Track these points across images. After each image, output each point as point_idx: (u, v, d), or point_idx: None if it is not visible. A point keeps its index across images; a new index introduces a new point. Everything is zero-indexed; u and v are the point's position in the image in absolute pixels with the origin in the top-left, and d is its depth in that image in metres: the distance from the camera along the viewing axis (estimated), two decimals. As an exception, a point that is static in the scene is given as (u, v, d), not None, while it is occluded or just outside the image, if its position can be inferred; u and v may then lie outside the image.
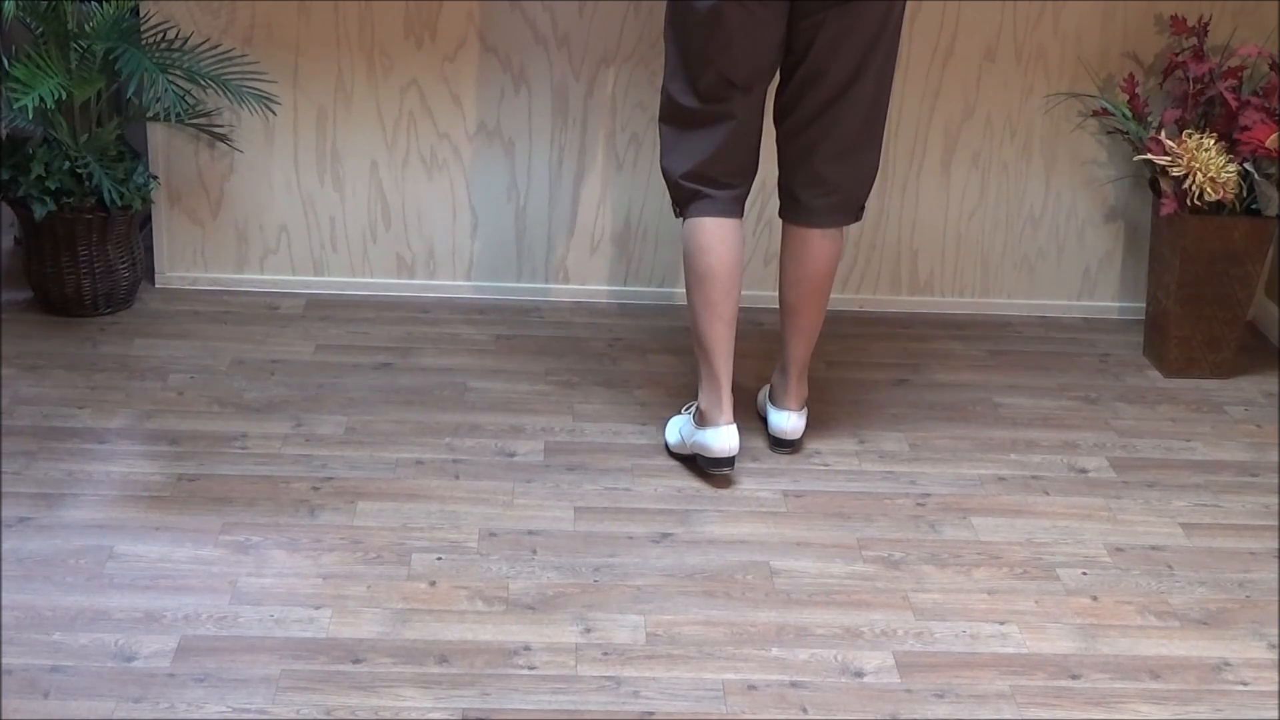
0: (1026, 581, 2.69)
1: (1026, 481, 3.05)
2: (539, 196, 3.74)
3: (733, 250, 2.89)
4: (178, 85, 3.36)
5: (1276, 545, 2.86)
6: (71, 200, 3.41)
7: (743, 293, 2.96)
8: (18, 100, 3.15)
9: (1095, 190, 3.80)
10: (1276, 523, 2.94)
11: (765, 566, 2.69)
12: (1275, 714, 2.37)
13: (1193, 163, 3.35)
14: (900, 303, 3.88)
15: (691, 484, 2.96)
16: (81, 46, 3.36)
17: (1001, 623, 2.56)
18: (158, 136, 3.64)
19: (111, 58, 3.32)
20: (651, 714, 2.29)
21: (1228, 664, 2.48)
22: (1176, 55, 3.55)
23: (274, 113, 3.59)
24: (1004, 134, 3.74)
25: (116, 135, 3.51)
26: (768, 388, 3.19)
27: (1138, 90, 3.58)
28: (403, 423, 3.14)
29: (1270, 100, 3.39)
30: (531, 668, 2.37)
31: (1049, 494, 3.00)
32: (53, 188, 3.37)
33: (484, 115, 3.66)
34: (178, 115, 3.38)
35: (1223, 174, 3.34)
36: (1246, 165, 3.38)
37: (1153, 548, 2.83)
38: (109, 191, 3.38)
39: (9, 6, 3.21)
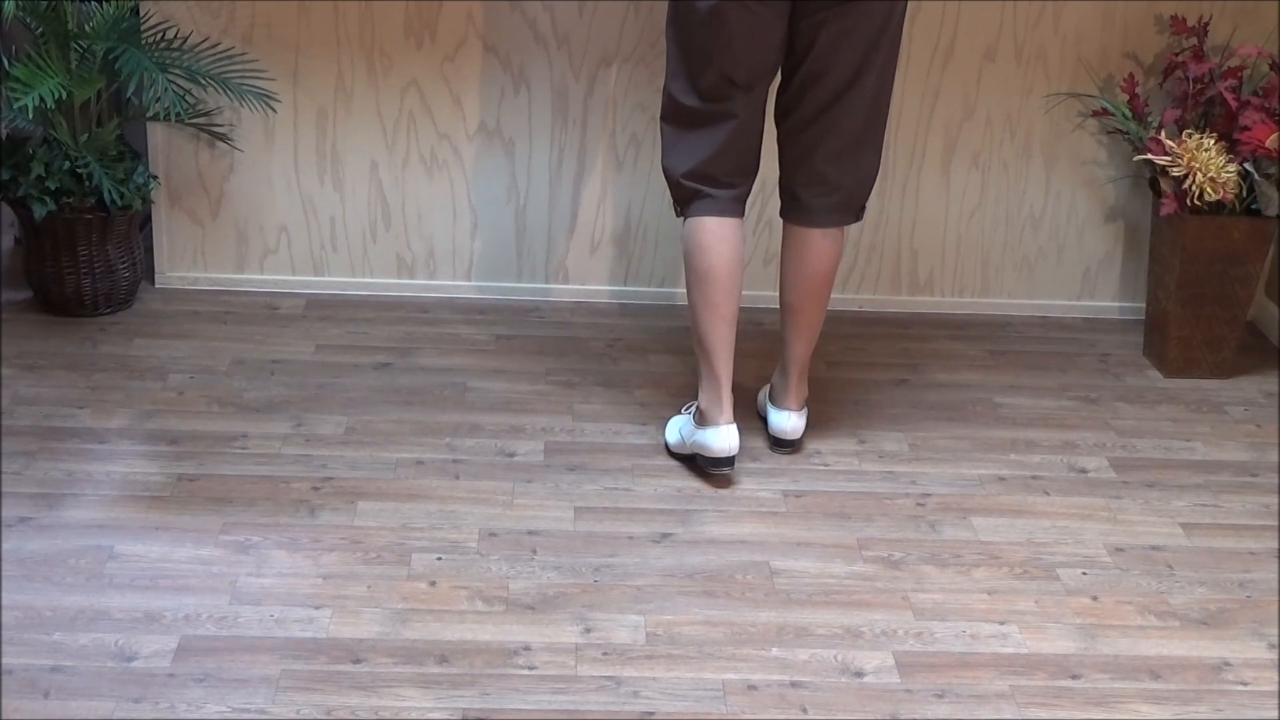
0: (1026, 581, 2.69)
1: (1026, 481, 3.05)
2: (539, 196, 3.74)
3: (733, 250, 2.89)
4: (178, 85, 3.36)
5: (1276, 545, 2.86)
6: (71, 200, 3.41)
7: (743, 292, 2.96)
8: (18, 100, 3.15)
9: (1095, 190, 3.80)
10: (1276, 523, 2.94)
11: (765, 566, 2.69)
12: (1275, 714, 2.37)
13: (1193, 163, 3.35)
14: (900, 303, 3.88)
15: (691, 484, 2.96)
16: (81, 46, 3.36)
17: (1001, 623, 2.56)
18: (158, 136, 3.64)
19: (111, 58, 3.32)
20: (651, 714, 2.29)
21: (1228, 664, 2.48)
22: (1176, 55, 3.55)
23: (274, 111, 3.59)
24: (1004, 134, 3.74)
25: (116, 135, 3.51)
26: (768, 388, 3.19)
27: (1138, 90, 3.58)
28: (403, 423, 3.14)
29: (1270, 100, 3.39)
30: (531, 668, 2.37)
31: (1049, 494, 3.00)
32: (53, 188, 3.37)
33: (484, 115, 3.66)
34: (178, 115, 3.38)
35: (1223, 174, 3.34)
36: (1246, 165, 3.38)
37: (1153, 548, 2.83)
38: (109, 191, 3.38)
39: (9, 6, 3.21)
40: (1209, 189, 3.35)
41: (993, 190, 3.79)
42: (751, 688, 2.36)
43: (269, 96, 3.51)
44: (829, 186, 2.91)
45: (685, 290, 2.97)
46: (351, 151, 3.68)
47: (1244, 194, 3.42)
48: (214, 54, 3.48)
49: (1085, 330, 3.83)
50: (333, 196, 3.71)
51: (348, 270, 3.78)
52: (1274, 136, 3.33)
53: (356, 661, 2.36)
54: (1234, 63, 3.49)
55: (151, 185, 3.55)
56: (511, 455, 3.03)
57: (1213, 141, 3.37)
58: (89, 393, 3.19)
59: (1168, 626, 2.58)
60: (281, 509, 2.78)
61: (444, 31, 3.58)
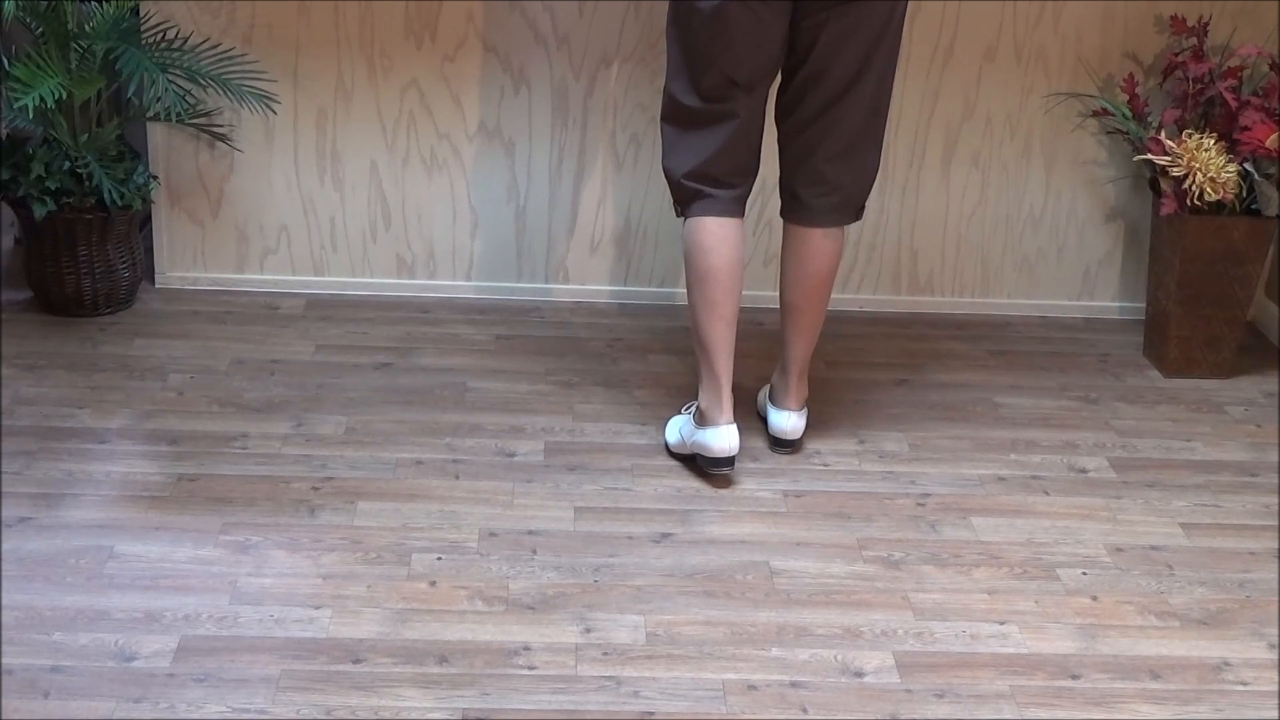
0: (1026, 581, 2.69)
1: (1026, 481, 3.05)
2: (539, 196, 3.74)
3: (734, 250, 2.89)
4: (178, 85, 3.36)
5: (1276, 545, 2.86)
6: (71, 200, 3.41)
7: (743, 292, 2.96)
8: (18, 100, 3.15)
9: (1095, 190, 3.80)
10: (1276, 523, 2.94)
11: (765, 566, 2.69)
12: (1275, 714, 2.37)
13: (1193, 163, 3.35)
14: (900, 303, 3.88)
15: (691, 484, 2.96)
16: (81, 46, 3.36)
17: (1001, 623, 2.56)
18: (158, 136, 3.64)
19: (111, 58, 3.32)
20: (651, 714, 2.29)
21: (1228, 664, 2.48)
22: (1176, 55, 3.55)
23: (274, 112, 3.59)
24: (1004, 134, 3.74)
25: (116, 135, 3.51)
26: (768, 388, 3.19)
27: (1138, 90, 3.58)
28: (403, 423, 3.14)
29: (1270, 100, 3.39)
30: (531, 668, 2.37)
31: (1049, 494, 3.00)
32: (53, 188, 3.37)
33: (484, 115, 3.66)
34: (178, 115, 3.38)
35: (1223, 174, 3.34)
36: (1246, 165, 3.38)
37: (1153, 548, 2.83)
38: (109, 191, 3.38)
39: (9, 6, 3.21)
40: (1209, 189, 3.35)
41: (993, 190, 3.79)
42: (751, 688, 2.36)
43: (269, 97, 3.51)
44: (829, 186, 2.91)
45: (685, 290, 2.97)
46: (351, 151, 3.68)
47: (1244, 194, 3.42)
48: (214, 54, 3.48)
49: (1085, 330, 3.83)
50: (333, 196, 3.72)
51: (348, 270, 3.78)
52: (1274, 136, 3.33)
53: (356, 661, 2.36)
54: (1234, 63, 3.49)
55: (151, 185, 3.55)
56: (511, 455, 3.03)
57: (1213, 141, 3.37)
58: (89, 393, 3.19)
59: (1168, 626, 2.58)
60: (281, 509, 2.78)
61: (444, 31, 3.58)
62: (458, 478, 2.94)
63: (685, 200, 2.91)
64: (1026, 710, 2.34)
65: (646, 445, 3.10)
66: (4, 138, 3.51)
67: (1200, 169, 3.34)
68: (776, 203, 3.04)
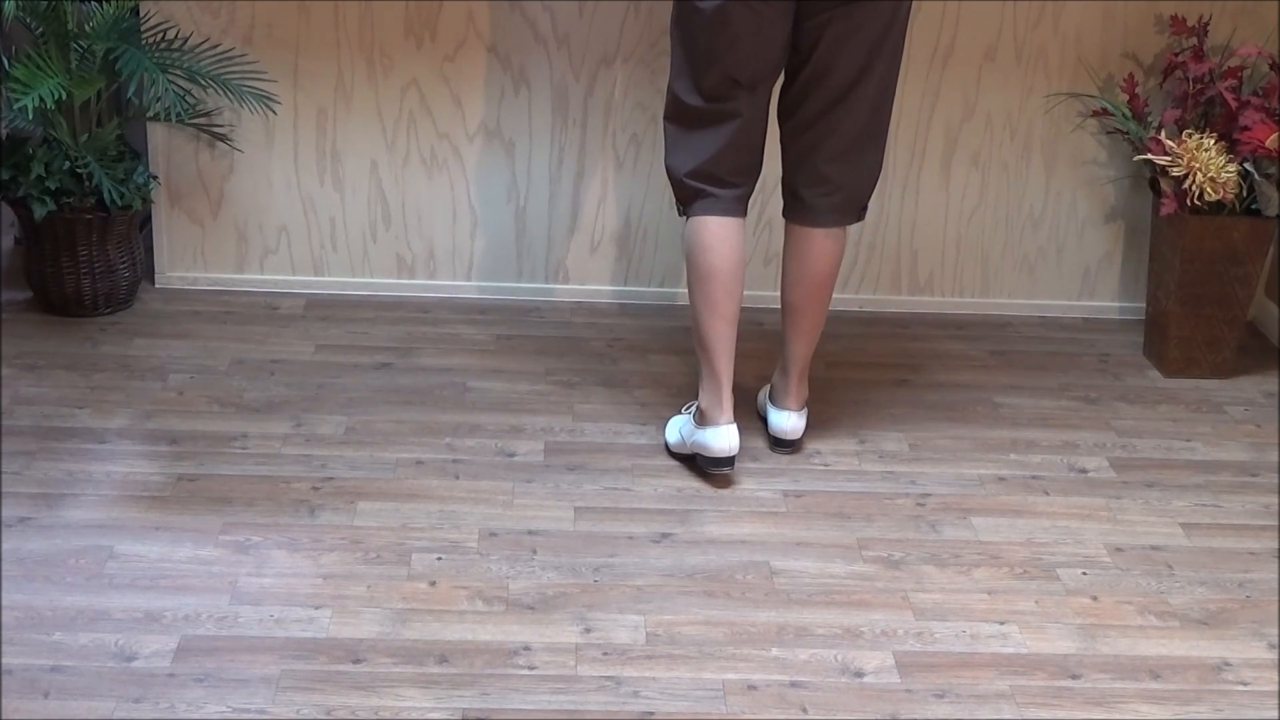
0: (1026, 581, 2.69)
1: (1026, 481, 3.05)
2: (539, 196, 3.74)
3: (735, 249, 2.89)
4: (178, 85, 3.36)
5: (1276, 545, 2.86)
6: (71, 200, 3.41)
7: (744, 292, 2.96)
8: (18, 100, 3.15)
9: (1095, 190, 3.80)
10: (1276, 523, 2.94)
11: (765, 566, 2.69)
12: (1275, 714, 2.37)
13: (1193, 163, 3.35)
14: (900, 303, 3.88)
15: (691, 484, 2.96)
16: (81, 46, 3.36)
17: (1001, 623, 2.56)
18: (158, 136, 3.64)
19: (111, 58, 3.32)
20: (651, 714, 2.29)
21: (1228, 664, 2.48)
22: (1176, 55, 3.55)
23: (274, 112, 3.59)
24: (1004, 134, 3.74)
25: (116, 135, 3.51)
26: (768, 388, 3.19)
27: (1138, 90, 3.58)
28: (403, 423, 3.14)
29: (1270, 100, 3.39)
30: (531, 668, 2.37)
31: (1049, 494, 3.00)
32: (53, 188, 3.37)
33: (484, 115, 3.66)
34: (178, 115, 3.38)
35: (1223, 174, 3.34)
36: (1246, 165, 3.38)
37: (1153, 548, 2.83)
38: (109, 191, 3.38)
39: (9, 6, 3.21)
40: (1209, 189, 3.35)
41: (993, 190, 3.79)
42: (751, 688, 2.36)
43: (269, 98, 3.51)
44: (831, 186, 2.91)
45: (686, 290, 2.97)
46: (351, 151, 3.68)
47: (1244, 194, 3.42)
48: (214, 54, 3.48)
49: (1085, 330, 3.83)
50: (333, 196, 3.72)
51: (348, 270, 3.78)
52: (1274, 136, 3.33)
53: (356, 661, 2.36)
54: (1234, 63, 3.49)
55: (151, 185, 3.55)
56: (511, 455, 3.03)
57: (1213, 141, 3.37)
58: (89, 393, 3.19)
59: (1168, 626, 2.58)
60: (281, 509, 2.78)
61: (444, 31, 3.59)
62: (458, 478, 2.94)
63: (687, 199, 2.91)
64: (1026, 710, 2.34)
65: (646, 445, 3.10)
66: (4, 138, 3.51)
67: (1200, 169, 3.34)
68: (777, 202, 3.04)
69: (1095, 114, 3.69)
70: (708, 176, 2.87)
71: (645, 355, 3.53)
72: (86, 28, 3.37)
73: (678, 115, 2.89)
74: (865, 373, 3.51)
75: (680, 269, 3.70)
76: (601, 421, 3.19)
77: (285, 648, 2.38)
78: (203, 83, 3.45)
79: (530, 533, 2.76)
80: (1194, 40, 3.53)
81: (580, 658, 2.40)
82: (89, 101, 3.44)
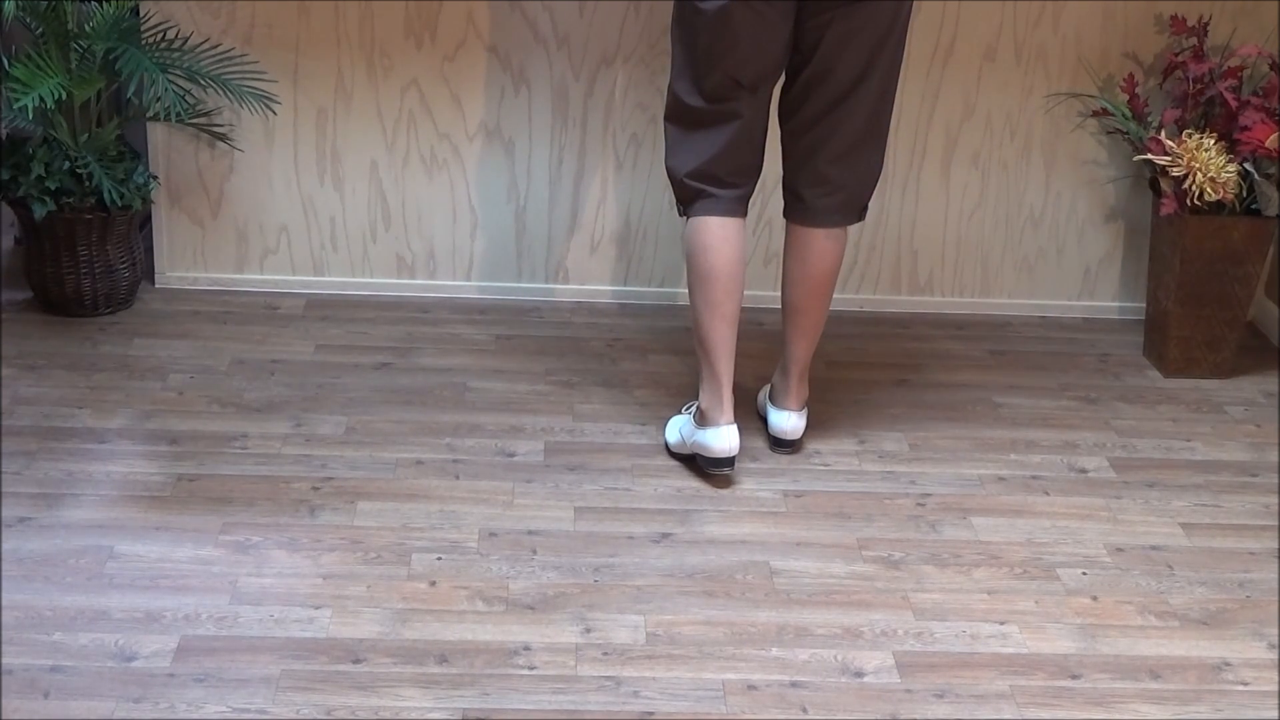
0: (1026, 581, 2.69)
1: (1026, 481, 3.05)
2: (539, 196, 3.74)
3: (736, 250, 2.89)
4: (178, 85, 3.36)
5: (1276, 545, 2.86)
6: (71, 200, 3.41)
7: (745, 292, 2.96)
8: (18, 100, 3.15)
9: (1095, 190, 3.80)
10: (1276, 523, 2.94)
11: (765, 566, 2.69)
12: (1275, 714, 2.37)
13: (1193, 163, 3.35)
14: (900, 303, 3.88)
15: (691, 484, 2.96)
16: (81, 46, 3.36)
17: (1001, 623, 2.56)
18: (158, 136, 3.64)
19: (111, 58, 3.32)
20: (651, 714, 2.29)
21: (1228, 664, 2.48)
22: (1176, 55, 3.55)
23: (274, 112, 3.59)
24: (1004, 134, 3.74)
25: (116, 135, 3.51)
26: (768, 388, 3.19)
27: (1138, 90, 3.58)
28: (403, 423, 3.14)
29: (1270, 100, 3.39)
30: (531, 668, 2.37)
31: (1049, 494, 3.00)
32: (53, 188, 3.37)
33: (484, 115, 3.66)
34: (178, 115, 3.38)
35: (1223, 174, 3.34)
36: (1246, 165, 3.38)
37: (1153, 548, 2.83)
38: (109, 191, 3.38)
39: (9, 6, 3.21)
40: (1209, 189, 3.35)
41: (993, 190, 3.79)
42: (751, 688, 2.36)
43: (269, 98, 3.51)
44: (832, 186, 2.91)
45: (686, 290, 2.97)
46: (351, 151, 3.68)
47: (1244, 194, 3.42)
48: (214, 54, 3.48)
49: (1085, 330, 3.83)
50: (333, 196, 3.72)
51: (348, 270, 3.78)
52: (1274, 136, 3.33)
53: (356, 661, 2.36)
54: (1234, 63, 3.49)
55: (151, 185, 3.55)
56: (511, 455, 3.03)
57: (1213, 141, 3.37)
58: (89, 393, 3.19)
59: (1168, 626, 2.58)
60: (281, 509, 2.78)
61: (444, 31, 3.58)
62: (458, 478, 2.94)
63: (688, 200, 2.91)
64: (1026, 710, 2.34)
65: (646, 445, 3.10)
66: (4, 138, 3.51)
67: (1200, 169, 3.34)
68: (777, 202, 3.04)
69: (1095, 114, 3.69)
70: (708, 177, 2.87)
71: (645, 355, 3.53)
72: (86, 28, 3.36)
73: (678, 116, 2.89)
74: (865, 373, 3.51)
75: (680, 269, 3.70)
76: (601, 421, 3.19)
77: (285, 648, 2.38)
78: (203, 83, 3.45)
79: (530, 533, 2.76)
80: (1194, 40, 3.53)
81: (580, 658, 2.40)
82: (89, 101, 3.44)
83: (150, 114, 3.52)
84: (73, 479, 2.85)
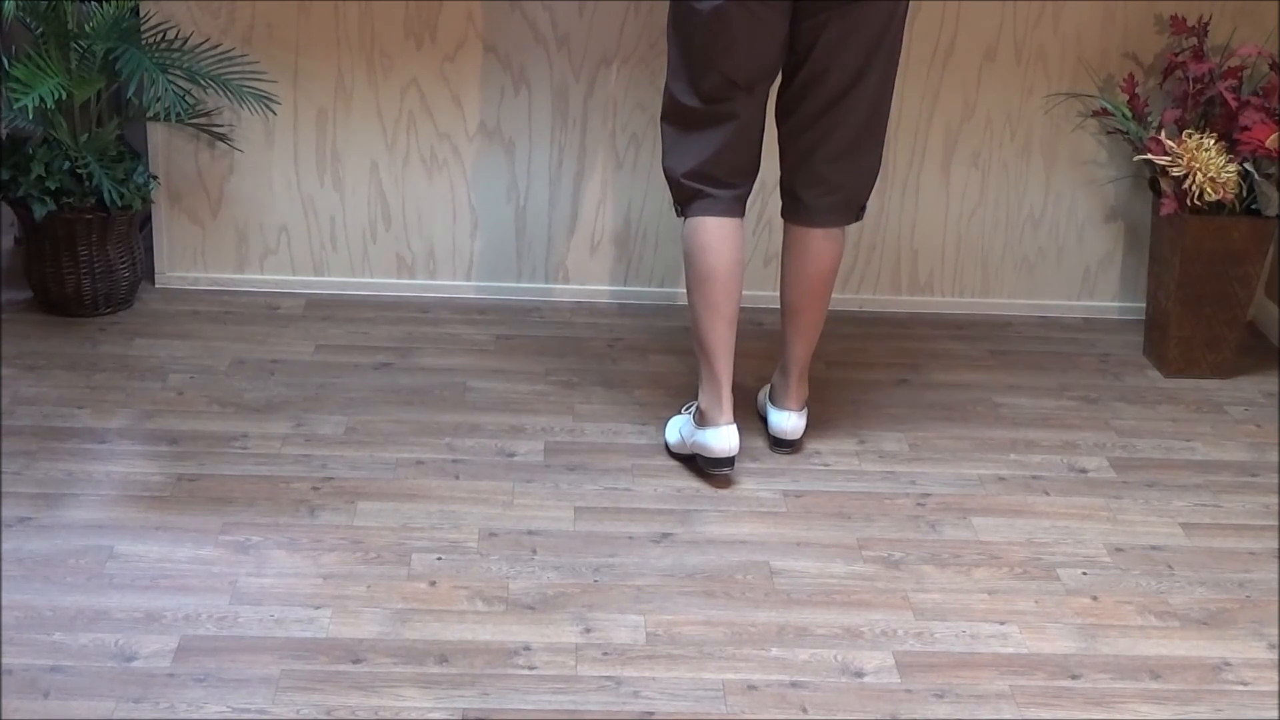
0: (1026, 581, 2.69)
1: (1026, 481, 3.05)
2: (539, 196, 3.74)
3: (734, 250, 2.89)
4: (178, 85, 3.36)
5: (1276, 545, 2.86)
6: (71, 200, 3.41)
7: (743, 292, 2.96)
8: (18, 100, 3.15)
9: (1095, 190, 3.80)
10: (1276, 523, 2.94)
11: (765, 566, 2.69)
12: (1275, 714, 2.37)
13: (1193, 163, 3.35)
14: (900, 303, 3.88)
15: (691, 484, 2.96)
16: (81, 46, 3.36)
17: (1001, 623, 2.56)
18: (158, 136, 3.64)
19: (111, 58, 3.32)
20: (651, 714, 2.29)
21: (1228, 664, 2.48)
22: (1176, 55, 3.55)
23: (274, 113, 3.59)
24: (1004, 134, 3.74)
25: (116, 135, 3.51)
26: (768, 388, 3.19)
27: (1138, 90, 3.58)
28: (403, 423, 3.14)
29: (1270, 100, 3.39)
30: (531, 668, 2.37)
31: (1049, 494, 3.00)
32: (53, 188, 3.37)
33: (484, 115, 3.66)
34: (178, 115, 3.38)
35: (1223, 174, 3.34)
36: (1246, 165, 3.38)
37: (1153, 548, 2.83)
38: (109, 191, 3.38)
39: (9, 6, 3.21)
40: (1209, 189, 3.35)
41: (993, 190, 3.79)
42: (751, 688, 2.36)
43: (269, 98, 3.51)
44: (830, 186, 2.91)
45: (685, 290, 2.97)
46: (351, 151, 3.68)
47: (1244, 194, 3.42)
48: (214, 54, 3.48)
49: (1085, 330, 3.82)
50: (333, 196, 3.72)
51: (348, 270, 3.78)
52: (1274, 136, 3.33)
53: (356, 661, 2.36)
54: (1234, 63, 3.49)
55: (151, 185, 3.55)
56: (511, 455, 3.03)
57: (1213, 141, 3.37)
58: (89, 393, 3.19)
59: (1168, 626, 2.58)
60: (281, 509, 2.78)
61: (444, 31, 3.58)
62: (458, 478, 2.94)
63: (685, 200, 2.91)
64: (1026, 710, 2.34)
65: (646, 445, 3.10)
66: (4, 138, 3.51)
67: (1200, 169, 3.34)
68: (776, 203, 3.04)
69: (1095, 114, 3.69)
70: (705, 177, 2.87)
71: (645, 355, 3.53)
72: (86, 28, 3.36)
73: (675, 116, 2.89)
74: (865, 373, 3.51)
75: (680, 269, 3.70)
76: (601, 421, 3.19)
77: (285, 648, 2.38)
78: (203, 83, 3.45)
79: (530, 533, 2.76)
80: (1194, 40, 3.53)
81: (580, 658, 2.40)
82: (89, 101, 3.44)
83: (150, 114, 3.52)
84: (73, 479, 2.85)
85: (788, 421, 3.08)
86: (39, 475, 2.85)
